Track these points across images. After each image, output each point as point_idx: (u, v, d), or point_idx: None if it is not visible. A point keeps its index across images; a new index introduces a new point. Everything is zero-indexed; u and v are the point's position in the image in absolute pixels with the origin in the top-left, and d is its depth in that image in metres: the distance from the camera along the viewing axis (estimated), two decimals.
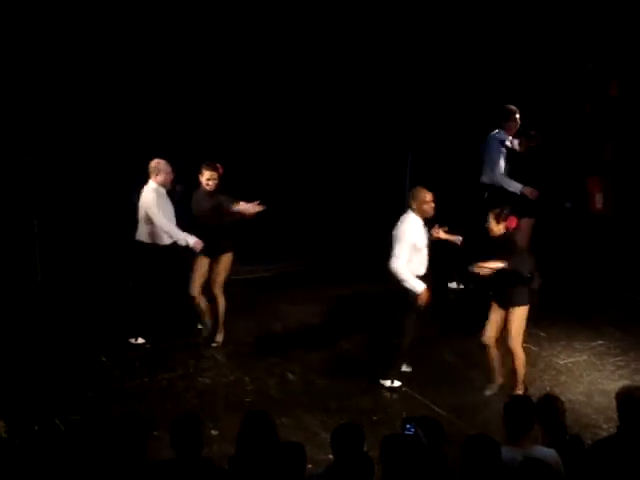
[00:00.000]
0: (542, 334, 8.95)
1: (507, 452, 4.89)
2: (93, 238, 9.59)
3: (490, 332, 7.53)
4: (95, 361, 8.22)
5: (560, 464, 4.99)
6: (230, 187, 9.74)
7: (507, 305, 7.46)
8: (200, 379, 7.98)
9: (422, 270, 7.66)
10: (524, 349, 8.52)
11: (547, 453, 5.03)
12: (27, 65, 9.04)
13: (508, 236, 7.39)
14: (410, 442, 4.95)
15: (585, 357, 8.49)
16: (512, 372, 7.63)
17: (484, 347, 7.62)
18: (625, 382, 7.45)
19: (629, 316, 9.41)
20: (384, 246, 10.75)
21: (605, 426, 6.98)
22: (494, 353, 7.61)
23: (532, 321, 9.07)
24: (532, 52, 11.01)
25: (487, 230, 7.42)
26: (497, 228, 7.38)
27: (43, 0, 9.03)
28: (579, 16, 10.93)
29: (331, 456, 5.15)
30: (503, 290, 7.43)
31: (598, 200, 11.11)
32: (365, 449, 5.16)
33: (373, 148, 10.99)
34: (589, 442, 5.60)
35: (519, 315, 7.44)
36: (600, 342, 8.78)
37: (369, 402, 7.56)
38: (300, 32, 10.26)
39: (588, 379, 8.04)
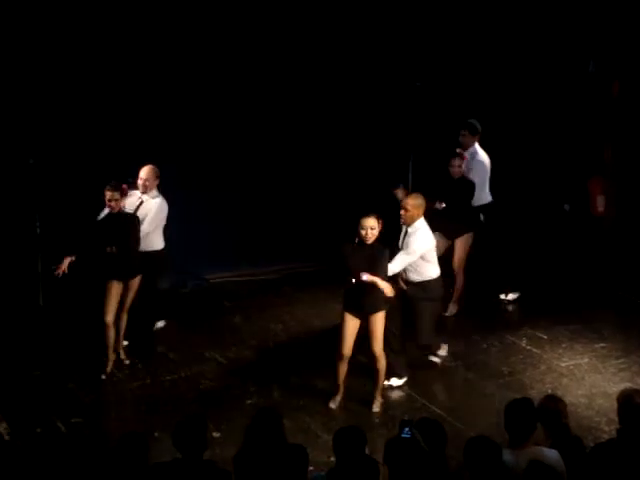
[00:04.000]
0: (544, 337, 8.95)
1: (509, 455, 4.90)
2: (95, 239, 9.60)
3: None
4: (96, 363, 8.23)
5: (562, 465, 4.99)
6: (241, 189, 9.84)
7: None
8: (202, 381, 7.99)
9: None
10: (526, 351, 8.59)
11: (549, 454, 5.03)
12: (29, 67, 9.04)
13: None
14: (408, 445, 4.96)
15: (587, 360, 8.48)
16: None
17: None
18: (627, 385, 7.44)
19: (631, 319, 9.40)
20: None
21: (607, 429, 6.98)
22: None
23: (533, 324, 9.15)
24: (533, 53, 11.01)
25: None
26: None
27: (46, 2, 9.04)
28: (580, 17, 10.94)
29: (333, 459, 5.17)
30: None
31: (600, 202, 11.11)
32: (367, 452, 5.17)
33: (374, 151, 10.99)
34: (590, 444, 5.60)
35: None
36: (602, 345, 8.78)
37: (371, 404, 7.54)
38: (300, 35, 10.26)
39: (590, 382, 8.03)
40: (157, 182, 8.39)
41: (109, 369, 8.03)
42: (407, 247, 7.69)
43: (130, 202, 8.18)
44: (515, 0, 10.95)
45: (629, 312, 9.61)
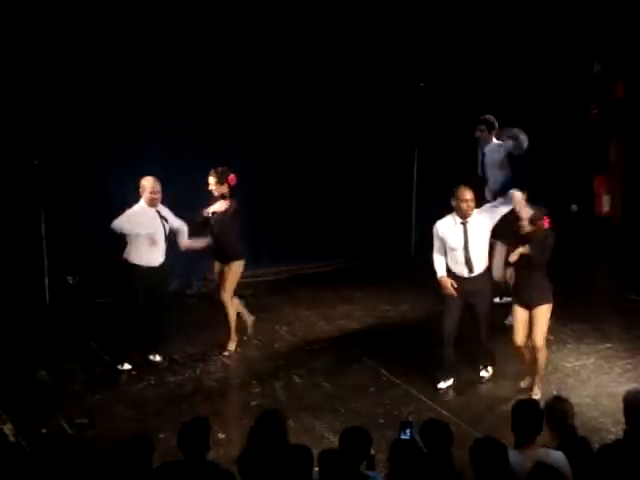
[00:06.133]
0: (549, 337, 8.83)
1: (515, 456, 4.89)
2: (100, 241, 9.62)
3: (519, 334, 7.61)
4: (102, 364, 8.23)
5: (568, 467, 4.98)
6: (246, 189, 9.79)
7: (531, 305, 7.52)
8: (207, 382, 7.99)
9: (456, 269, 7.61)
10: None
11: (555, 456, 5.01)
12: (33, 68, 9.05)
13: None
14: (407, 447, 4.96)
15: (592, 360, 8.46)
16: (534, 368, 7.71)
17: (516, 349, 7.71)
18: (633, 385, 7.40)
19: (637, 319, 9.36)
20: (392, 248, 10.86)
21: (613, 429, 6.96)
22: (525, 353, 7.71)
23: None
24: (538, 53, 10.99)
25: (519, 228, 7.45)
26: (530, 228, 7.43)
27: (49, 3, 9.04)
28: (585, 17, 10.92)
29: None
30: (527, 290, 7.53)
31: (605, 202, 11.09)
32: (372, 452, 5.16)
33: (380, 151, 10.99)
34: (596, 445, 5.58)
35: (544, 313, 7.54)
36: (608, 345, 8.75)
37: (376, 405, 7.54)
38: (307, 35, 10.26)
39: (595, 382, 8.02)
40: None
41: (232, 348, 8.47)
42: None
43: (146, 221, 7.91)
44: (519, 1, 10.93)
45: (635, 312, 9.58)
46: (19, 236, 9.22)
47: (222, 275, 8.43)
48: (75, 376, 8.00)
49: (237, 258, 8.42)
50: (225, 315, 8.48)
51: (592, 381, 8.04)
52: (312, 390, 7.85)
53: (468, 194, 7.42)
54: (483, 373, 8.02)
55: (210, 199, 8.30)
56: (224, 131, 10.05)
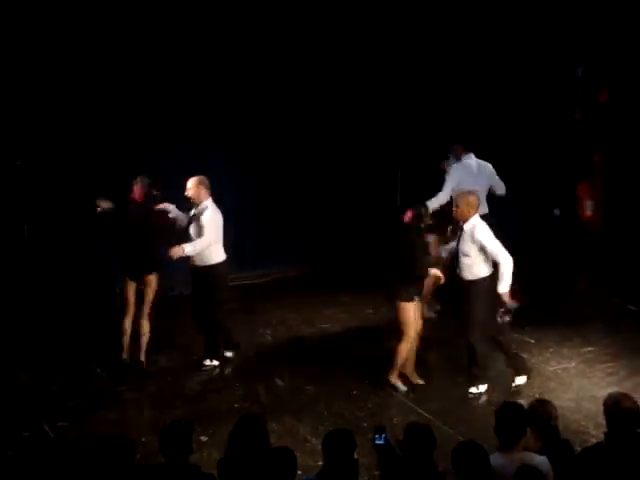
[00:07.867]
0: (531, 341, 8.97)
1: (498, 459, 4.90)
2: (83, 243, 9.59)
3: None
4: (84, 368, 8.20)
5: (551, 471, 4.99)
6: (228, 194, 9.81)
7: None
8: (190, 385, 7.97)
9: None
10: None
11: (538, 460, 5.02)
12: (15, 69, 9.01)
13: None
14: (381, 452, 4.98)
15: (574, 364, 8.51)
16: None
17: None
18: (614, 389, 7.44)
19: (618, 323, 9.42)
20: (375, 255, 10.85)
21: (594, 432, 6.99)
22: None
23: (520, 328, 9.15)
24: (522, 57, 11.03)
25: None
26: None
27: (32, 4, 9.01)
28: (569, 22, 10.96)
29: (321, 463, 5.15)
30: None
31: (588, 207, 11.12)
32: (355, 456, 5.16)
33: (363, 156, 10.99)
34: (578, 448, 5.61)
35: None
36: (589, 349, 8.80)
37: (359, 408, 7.55)
38: (286, 41, 10.25)
39: (577, 386, 8.05)
40: (204, 192, 8.06)
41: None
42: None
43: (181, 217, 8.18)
44: (503, 5, 10.97)
45: (616, 316, 9.63)
46: (1, 237, 9.17)
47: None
48: (57, 379, 7.97)
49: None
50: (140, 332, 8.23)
51: (574, 385, 8.08)
52: (295, 393, 7.85)
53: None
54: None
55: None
56: (208, 135, 10.03)
